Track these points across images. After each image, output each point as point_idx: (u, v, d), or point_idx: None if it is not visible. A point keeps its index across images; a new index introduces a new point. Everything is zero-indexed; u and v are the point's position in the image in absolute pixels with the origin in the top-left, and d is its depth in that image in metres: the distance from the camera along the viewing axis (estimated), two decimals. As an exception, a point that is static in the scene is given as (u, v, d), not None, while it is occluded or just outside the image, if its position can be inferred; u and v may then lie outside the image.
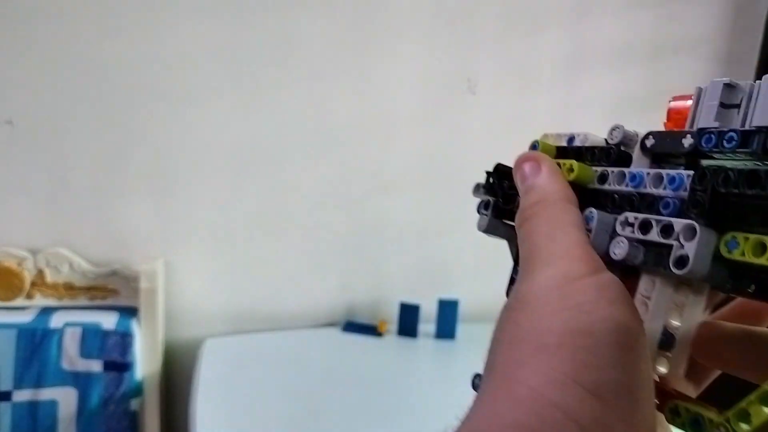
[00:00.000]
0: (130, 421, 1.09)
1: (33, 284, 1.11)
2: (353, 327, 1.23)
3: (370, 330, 1.22)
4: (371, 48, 1.16)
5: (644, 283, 0.23)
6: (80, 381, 1.07)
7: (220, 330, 1.22)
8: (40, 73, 1.07)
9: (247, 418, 0.91)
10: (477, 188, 0.30)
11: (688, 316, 0.23)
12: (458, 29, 1.19)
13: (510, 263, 0.28)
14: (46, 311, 1.09)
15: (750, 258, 0.19)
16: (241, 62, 1.12)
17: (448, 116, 1.22)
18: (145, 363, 1.11)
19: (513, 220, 0.26)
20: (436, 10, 1.17)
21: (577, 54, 1.24)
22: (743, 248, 0.19)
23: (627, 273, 0.23)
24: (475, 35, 1.19)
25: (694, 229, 0.20)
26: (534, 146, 0.28)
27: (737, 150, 0.20)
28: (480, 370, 0.22)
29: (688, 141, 0.22)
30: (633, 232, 0.23)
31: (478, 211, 0.30)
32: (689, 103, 0.23)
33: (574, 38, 1.23)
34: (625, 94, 1.28)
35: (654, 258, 0.22)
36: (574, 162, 0.25)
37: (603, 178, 0.25)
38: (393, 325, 1.22)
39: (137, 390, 1.10)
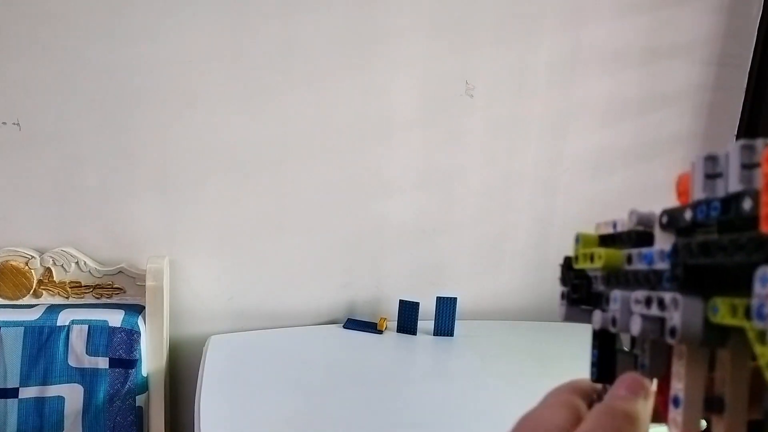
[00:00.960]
0: (135, 417, 1.11)
1: (40, 283, 1.13)
2: (354, 324, 1.24)
3: (371, 327, 1.23)
4: (371, 52, 1.18)
5: (676, 353, 0.24)
6: (86, 377, 1.08)
7: (224, 327, 1.24)
8: (47, 75, 1.08)
9: (251, 413, 0.92)
10: (561, 280, 0.31)
11: (732, 374, 0.23)
12: (456, 34, 1.20)
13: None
14: (53, 309, 1.10)
15: (727, 320, 0.20)
16: (245, 66, 1.14)
17: (446, 119, 1.23)
18: (150, 360, 1.13)
19: (588, 305, 0.28)
20: (435, 16, 1.18)
21: (572, 57, 1.25)
22: (722, 312, 0.20)
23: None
24: (472, 40, 1.21)
25: (677, 301, 0.21)
26: (577, 239, 0.29)
27: (720, 218, 0.21)
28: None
29: (688, 214, 0.23)
30: (642, 309, 0.23)
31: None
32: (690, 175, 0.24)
33: (569, 42, 1.24)
34: (620, 97, 1.29)
35: (667, 330, 0.22)
36: (601, 250, 0.27)
37: (629, 259, 0.26)
38: (393, 322, 1.24)
39: (143, 386, 1.12)
